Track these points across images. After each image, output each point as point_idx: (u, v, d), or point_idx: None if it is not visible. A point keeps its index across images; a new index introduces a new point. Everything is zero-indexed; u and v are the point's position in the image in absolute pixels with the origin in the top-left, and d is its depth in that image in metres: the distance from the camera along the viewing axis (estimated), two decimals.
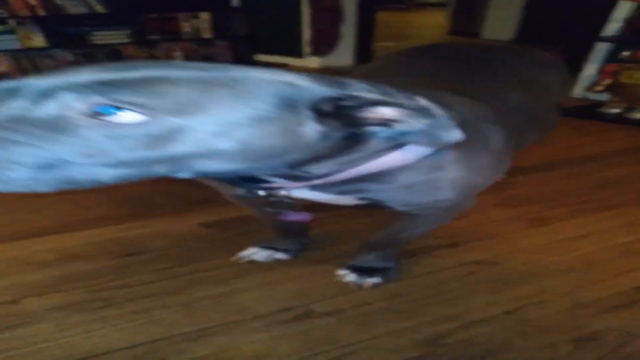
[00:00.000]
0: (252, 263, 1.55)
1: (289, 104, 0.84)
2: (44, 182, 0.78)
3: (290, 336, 1.26)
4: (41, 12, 4.72)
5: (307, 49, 5.66)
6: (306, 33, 5.60)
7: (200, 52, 5.66)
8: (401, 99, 0.86)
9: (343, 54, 5.77)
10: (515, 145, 1.27)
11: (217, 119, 0.79)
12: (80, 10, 4.91)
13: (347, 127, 0.87)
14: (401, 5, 13.55)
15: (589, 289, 1.44)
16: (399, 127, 0.87)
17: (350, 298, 1.40)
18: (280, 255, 1.58)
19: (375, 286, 1.44)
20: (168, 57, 5.44)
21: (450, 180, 1.10)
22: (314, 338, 1.25)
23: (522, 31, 7.58)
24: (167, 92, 0.78)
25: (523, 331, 1.27)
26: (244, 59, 5.78)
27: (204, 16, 5.56)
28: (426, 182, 1.08)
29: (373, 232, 1.45)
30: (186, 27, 5.50)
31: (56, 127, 0.77)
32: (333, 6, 5.39)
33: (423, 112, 0.85)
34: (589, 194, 2.07)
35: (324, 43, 5.57)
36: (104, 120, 0.76)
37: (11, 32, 4.69)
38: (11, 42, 4.68)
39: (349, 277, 1.48)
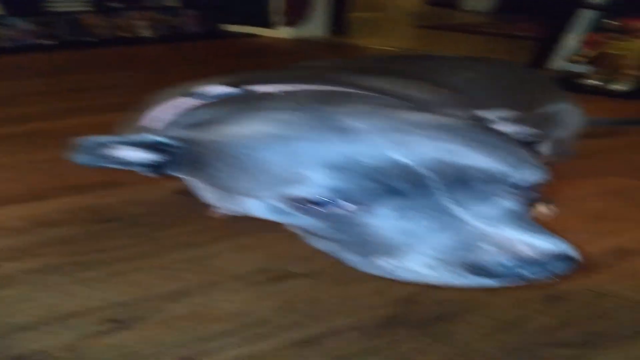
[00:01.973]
0: (227, 229, 1.56)
1: None
2: None
3: (270, 295, 1.29)
4: None
5: (277, 18, 5.60)
6: (275, 2, 5.54)
7: (167, 22, 5.57)
8: None
9: (315, 25, 5.72)
10: None
11: None
12: None
13: None
14: None
15: None
16: None
17: (326, 259, 1.42)
18: None
19: None
20: (130, 26, 5.36)
21: None
22: (294, 296, 1.28)
23: (503, 2, 7.53)
24: None
25: (493, 290, 1.30)
26: (213, 29, 5.74)
27: None
28: None
29: None
30: None
31: None
32: None
33: None
34: None
35: (295, 13, 5.50)
36: None
37: None
38: None
39: None
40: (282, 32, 5.67)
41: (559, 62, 3.92)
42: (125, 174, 1.11)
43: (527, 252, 0.76)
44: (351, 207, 0.83)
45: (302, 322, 1.20)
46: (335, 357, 1.11)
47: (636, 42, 3.41)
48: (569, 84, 3.41)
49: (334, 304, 1.25)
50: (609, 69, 3.46)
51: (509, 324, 1.20)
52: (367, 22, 6.93)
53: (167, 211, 1.68)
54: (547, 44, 3.82)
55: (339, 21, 5.96)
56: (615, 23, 3.60)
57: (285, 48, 5.26)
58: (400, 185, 0.79)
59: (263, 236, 1.53)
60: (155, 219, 1.63)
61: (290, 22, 5.54)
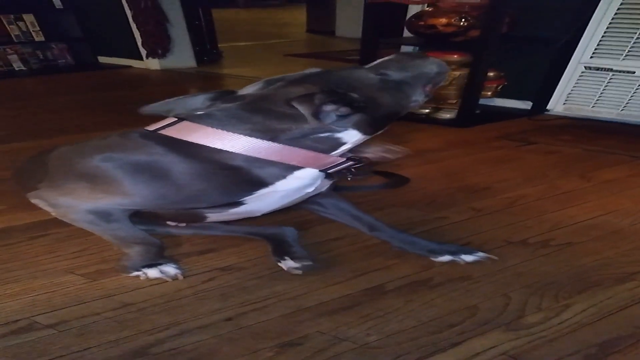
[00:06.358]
0: None
1: None
2: None
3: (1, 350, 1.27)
4: None
5: (143, 50, 5.61)
6: (137, 35, 5.55)
7: (39, 55, 5.55)
8: None
9: (183, 56, 5.75)
10: None
11: None
12: None
13: None
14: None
15: (318, 292, 1.51)
16: None
17: (78, 308, 1.41)
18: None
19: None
20: (4, 60, 5.40)
21: None
22: (26, 351, 1.27)
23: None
24: None
25: (234, 337, 1.30)
26: (86, 61, 5.72)
27: (29, 18, 5.48)
28: None
29: None
30: (15, 29, 5.40)
31: None
32: (151, 5, 5.32)
33: None
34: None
35: (156, 45, 5.50)
36: None
37: None
38: None
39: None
40: (152, 64, 5.67)
41: None
42: None
43: None
44: None
45: None
46: None
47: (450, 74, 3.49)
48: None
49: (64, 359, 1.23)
50: (436, 99, 3.58)
51: None
52: (239, 52, 7.05)
53: None
54: None
55: (208, 52, 6.02)
56: None
57: (156, 79, 5.28)
58: None
59: (30, 283, 1.53)
60: None
61: (154, 53, 5.54)
